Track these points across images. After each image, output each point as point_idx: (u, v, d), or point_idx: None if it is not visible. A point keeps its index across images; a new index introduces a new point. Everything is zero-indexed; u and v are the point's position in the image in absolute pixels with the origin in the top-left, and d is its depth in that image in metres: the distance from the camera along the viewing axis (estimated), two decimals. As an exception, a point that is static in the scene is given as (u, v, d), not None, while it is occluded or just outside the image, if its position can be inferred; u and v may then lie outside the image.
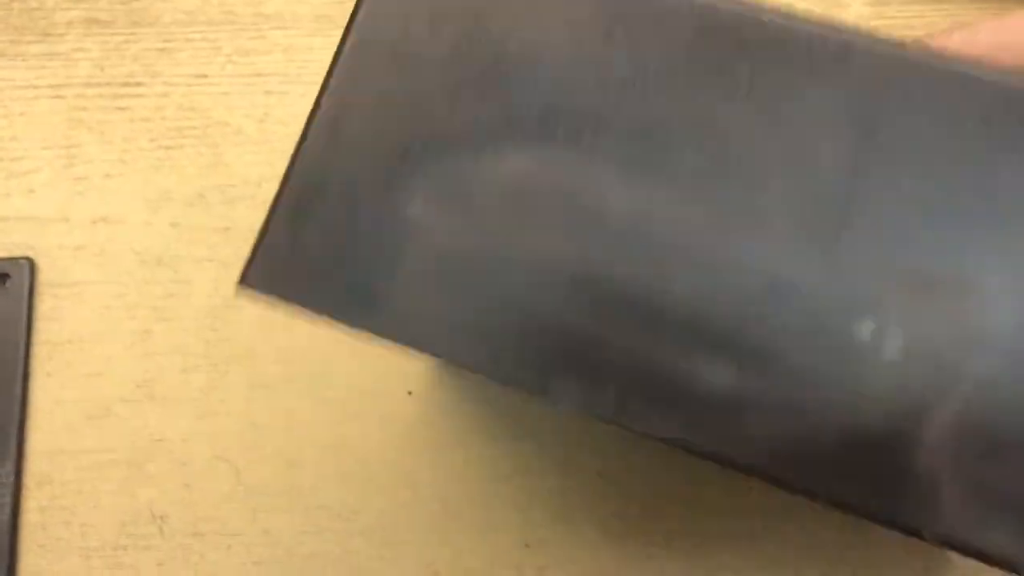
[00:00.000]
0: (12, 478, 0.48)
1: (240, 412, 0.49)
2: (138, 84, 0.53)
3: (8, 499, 0.48)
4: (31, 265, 0.50)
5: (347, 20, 0.29)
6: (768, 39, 0.25)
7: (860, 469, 0.23)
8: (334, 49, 0.47)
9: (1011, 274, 0.23)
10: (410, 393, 0.49)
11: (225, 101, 0.53)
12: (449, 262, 0.25)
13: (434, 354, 0.26)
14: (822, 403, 0.23)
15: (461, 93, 0.27)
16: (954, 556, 0.45)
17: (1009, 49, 0.30)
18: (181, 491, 0.49)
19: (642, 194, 0.25)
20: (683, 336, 0.24)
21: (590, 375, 0.24)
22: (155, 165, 0.52)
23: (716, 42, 0.25)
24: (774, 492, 0.44)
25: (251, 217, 0.52)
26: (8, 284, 0.50)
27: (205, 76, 0.53)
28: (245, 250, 0.53)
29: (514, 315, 0.25)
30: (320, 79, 0.53)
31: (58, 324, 0.50)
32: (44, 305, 0.50)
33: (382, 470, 0.48)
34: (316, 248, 0.27)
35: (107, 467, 0.49)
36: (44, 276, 0.51)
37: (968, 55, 0.24)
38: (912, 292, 0.23)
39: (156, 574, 0.47)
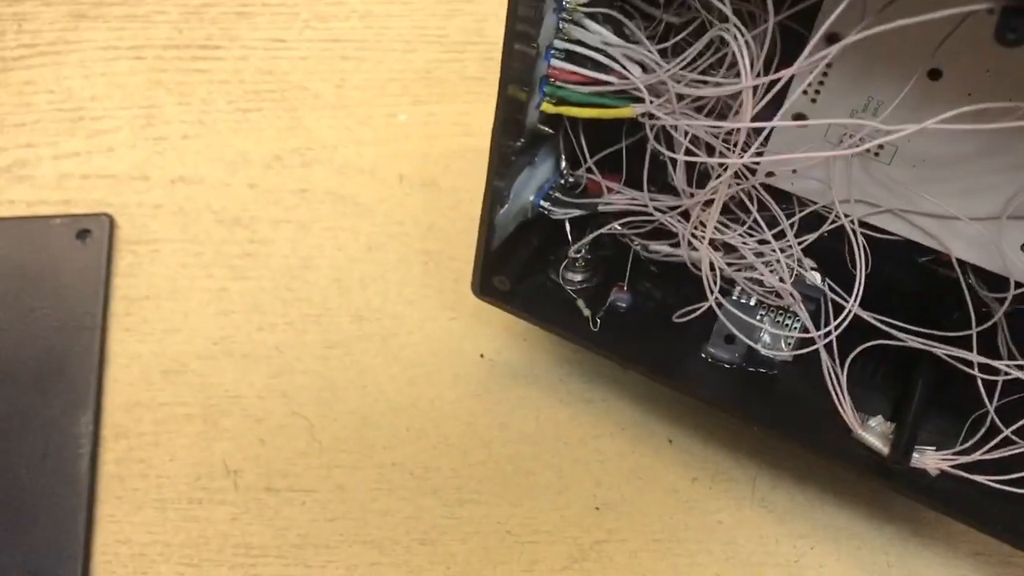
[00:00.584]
0: (91, 427, 0.49)
1: (315, 370, 0.50)
2: (216, 47, 0.54)
3: (87, 449, 0.49)
4: (111, 222, 0.52)
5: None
6: None
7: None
8: (410, 15, 0.47)
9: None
10: (482, 356, 0.50)
11: (303, 66, 0.54)
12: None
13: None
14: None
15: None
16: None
17: None
18: (256, 446, 0.50)
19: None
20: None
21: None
22: (233, 127, 0.53)
23: None
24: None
25: (327, 180, 0.53)
26: (88, 240, 0.51)
27: (283, 41, 0.54)
28: (322, 211, 0.54)
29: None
30: (397, 45, 0.54)
31: (136, 280, 0.51)
32: (123, 261, 0.52)
33: (455, 430, 0.49)
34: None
35: (183, 421, 0.50)
36: (123, 233, 0.52)
37: None
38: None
39: (230, 528, 0.48)
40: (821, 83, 0.38)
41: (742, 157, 0.39)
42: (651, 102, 0.40)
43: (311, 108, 0.53)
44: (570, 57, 0.40)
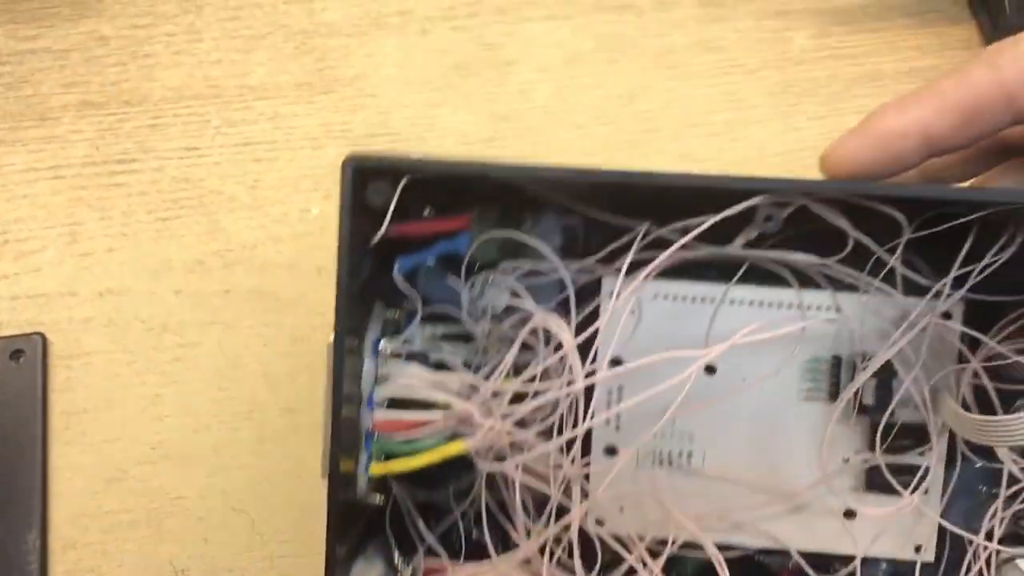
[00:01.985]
0: (38, 543, 0.52)
1: (251, 465, 0.53)
2: (133, 160, 0.58)
3: (36, 565, 0.51)
4: (43, 340, 0.55)
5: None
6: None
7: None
8: (315, 113, 0.51)
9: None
10: (412, 435, 0.53)
11: (217, 171, 0.58)
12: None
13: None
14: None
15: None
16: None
17: (974, 113, 0.32)
18: (200, 545, 0.53)
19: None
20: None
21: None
22: (154, 236, 0.56)
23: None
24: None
25: (249, 279, 0.56)
26: (22, 360, 0.54)
27: (196, 148, 0.58)
28: (246, 310, 0.56)
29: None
30: (305, 142, 0.58)
31: (73, 394, 0.54)
32: (58, 377, 0.54)
33: (390, 510, 0.51)
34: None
35: (128, 527, 0.53)
36: (56, 349, 0.55)
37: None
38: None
39: (181, 627, 0.51)
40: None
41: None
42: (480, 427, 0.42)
43: (228, 211, 0.56)
44: (392, 404, 0.42)
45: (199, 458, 0.55)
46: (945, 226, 0.39)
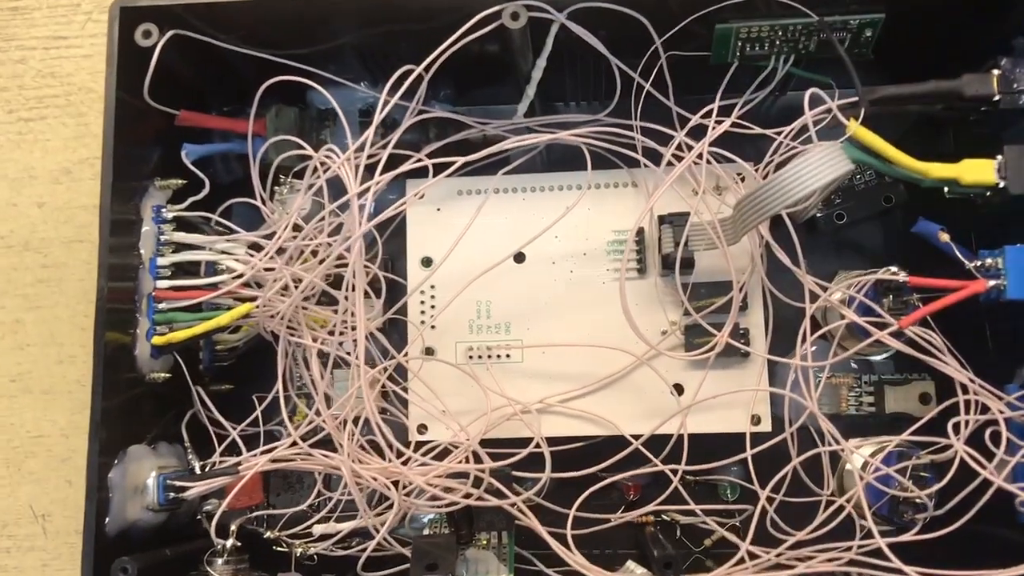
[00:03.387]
0: None
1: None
2: (-6, 52, 0.51)
3: None
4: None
5: None
6: None
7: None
8: None
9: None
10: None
11: (88, 65, 0.51)
12: None
13: None
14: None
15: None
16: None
17: None
18: (63, 488, 0.49)
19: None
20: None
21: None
22: (15, 140, 0.51)
23: None
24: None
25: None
26: None
27: (64, 38, 0.51)
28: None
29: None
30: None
31: (-74, 319, 0.50)
32: (-87, 299, 0.50)
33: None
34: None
35: (-14, 467, 0.48)
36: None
37: None
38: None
39: (41, 575, 0.46)
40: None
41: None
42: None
43: (100, 112, 0.49)
44: (176, 272, 0.41)
45: (63, 393, 0.50)
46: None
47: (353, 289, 0.39)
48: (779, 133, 0.39)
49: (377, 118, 0.38)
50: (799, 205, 0.41)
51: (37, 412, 0.49)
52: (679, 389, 0.43)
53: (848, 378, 0.44)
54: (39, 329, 0.50)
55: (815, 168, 0.34)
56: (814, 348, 0.41)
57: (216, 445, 0.41)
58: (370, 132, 0.38)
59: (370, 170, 0.41)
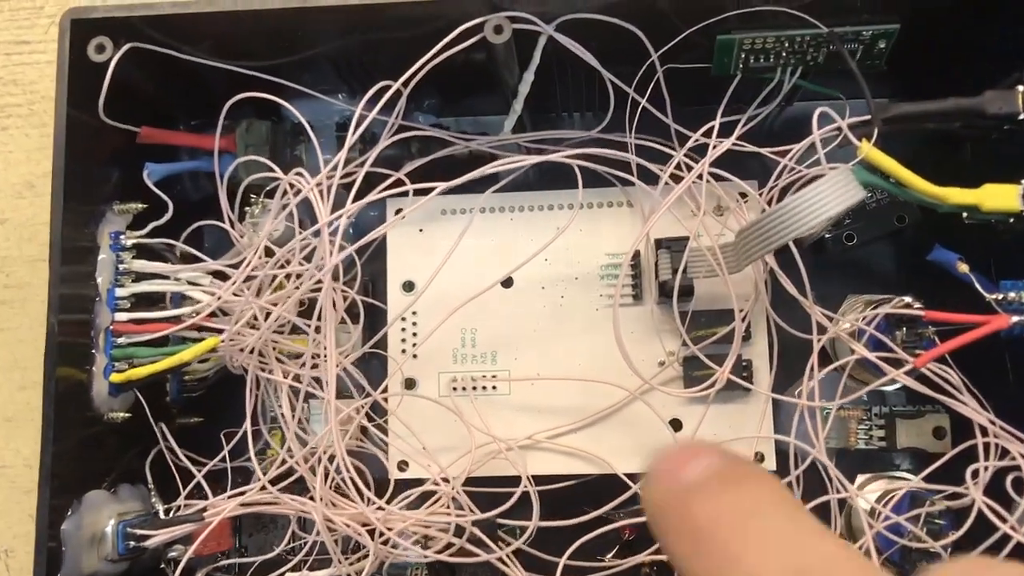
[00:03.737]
0: None
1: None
2: (-45, 59, 0.49)
3: None
4: None
5: None
6: None
7: None
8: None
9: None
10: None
11: (52, 72, 0.48)
12: None
13: None
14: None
15: None
16: None
17: None
18: (27, 522, 0.46)
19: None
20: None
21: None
22: (-24, 153, 0.48)
23: None
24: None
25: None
26: None
27: (27, 43, 0.48)
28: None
29: None
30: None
31: None
32: None
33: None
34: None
35: (-54, 500, 0.46)
36: None
37: None
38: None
39: (4, 616, 0.44)
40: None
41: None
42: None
43: (64, 121, 0.47)
44: (137, 304, 0.38)
45: (27, 420, 0.47)
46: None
47: (322, 319, 0.36)
48: (784, 153, 0.37)
49: (350, 139, 0.35)
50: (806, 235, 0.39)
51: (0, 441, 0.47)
52: (677, 425, 0.40)
53: (858, 411, 0.42)
54: (1, 353, 0.48)
55: (824, 197, 0.31)
56: (822, 377, 0.38)
57: (181, 487, 0.39)
58: (342, 154, 0.35)
59: (347, 188, 0.38)
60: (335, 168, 0.36)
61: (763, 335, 0.40)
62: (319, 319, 0.37)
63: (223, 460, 0.40)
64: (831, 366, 0.38)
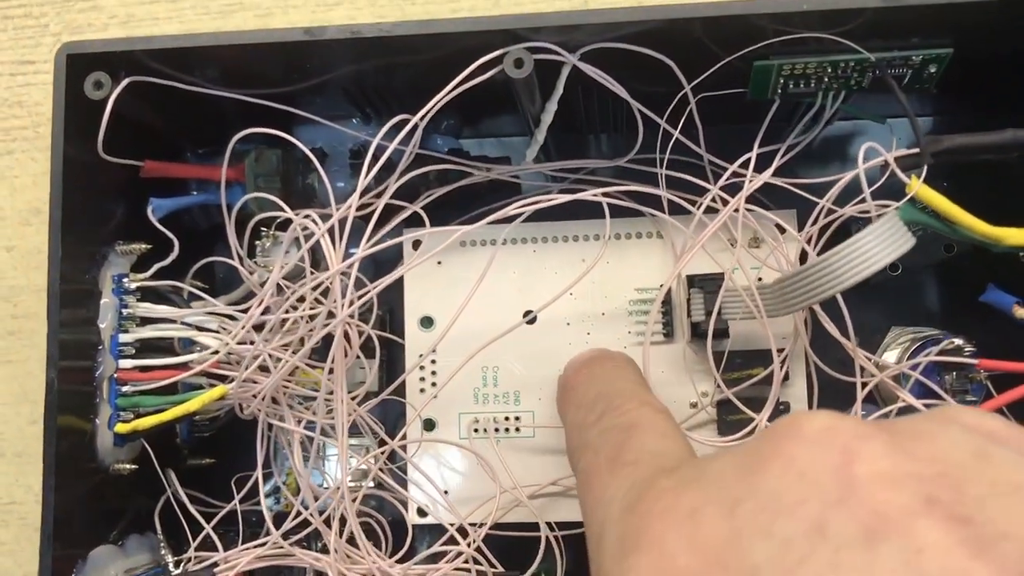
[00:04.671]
0: None
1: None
2: (-44, 78, 0.48)
3: None
4: None
5: None
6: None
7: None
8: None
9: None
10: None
11: (56, 94, 0.47)
12: None
13: None
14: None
15: None
16: None
17: None
18: (37, 559, 0.44)
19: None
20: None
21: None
22: (-19, 178, 0.47)
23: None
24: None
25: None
26: None
27: (31, 63, 0.47)
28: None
29: None
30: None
31: None
32: None
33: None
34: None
35: (-44, 536, 0.45)
36: None
37: None
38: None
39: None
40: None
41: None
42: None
43: (71, 144, 0.45)
44: (142, 350, 0.37)
45: (37, 455, 0.45)
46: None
47: (335, 362, 0.35)
48: (824, 187, 0.35)
49: (362, 182, 0.33)
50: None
51: (9, 477, 0.46)
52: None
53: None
54: (9, 386, 0.47)
55: (872, 248, 0.29)
56: (863, 413, 0.37)
57: (191, 537, 0.37)
58: (354, 198, 0.33)
59: (363, 220, 0.37)
60: (349, 203, 0.35)
61: (802, 376, 0.38)
62: (333, 361, 0.36)
63: (235, 507, 0.39)
64: (877, 413, 0.36)
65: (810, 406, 0.38)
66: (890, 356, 0.39)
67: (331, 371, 0.36)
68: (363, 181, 0.33)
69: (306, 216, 0.34)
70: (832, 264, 0.30)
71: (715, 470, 0.22)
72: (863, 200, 0.32)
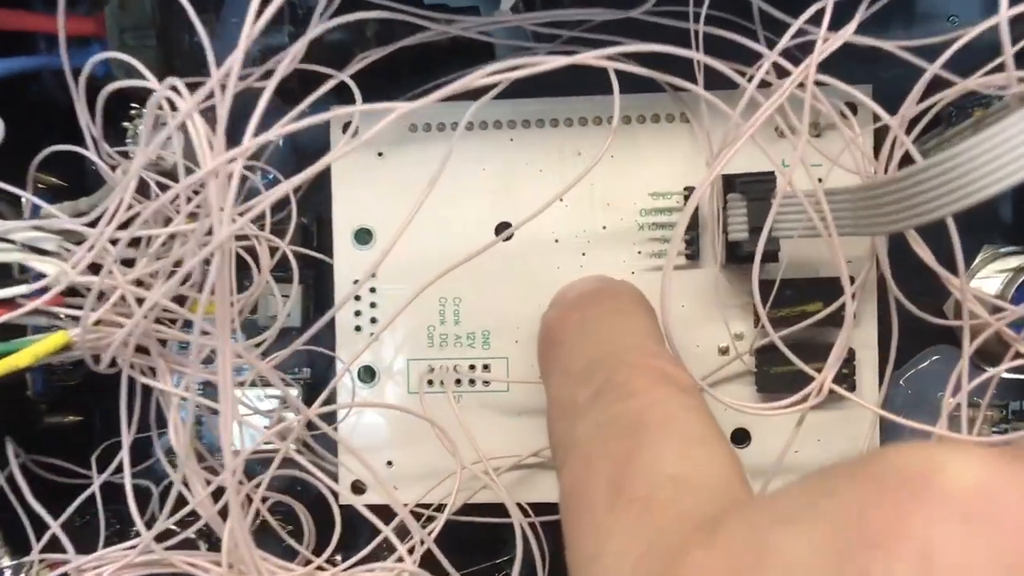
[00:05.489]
0: None
1: None
2: None
3: None
4: None
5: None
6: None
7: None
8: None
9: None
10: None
11: None
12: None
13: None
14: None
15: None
16: None
17: None
18: None
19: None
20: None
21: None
22: None
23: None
24: None
25: None
26: None
27: None
28: None
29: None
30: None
31: None
32: None
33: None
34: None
35: None
36: None
37: None
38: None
39: None
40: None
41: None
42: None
43: None
44: None
45: None
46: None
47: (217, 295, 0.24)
48: (930, 50, 0.24)
49: (254, 29, 0.22)
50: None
51: None
52: (742, 436, 0.29)
53: (992, 411, 0.31)
54: None
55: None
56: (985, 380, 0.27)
57: (34, 538, 0.27)
58: (237, 56, 0.22)
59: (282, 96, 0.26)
60: (228, 64, 0.23)
61: (872, 317, 0.28)
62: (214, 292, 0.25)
63: (95, 491, 0.28)
64: (988, 373, 0.26)
65: (884, 359, 0.28)
66: (986, 286, 0.30)
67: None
68: (256, 27, 0.22)
69: (171, 87, 0.23)
70: (962, 162, 0.20)
71: (786, 550, 0.14)
72: (1000, 68, 0.22)
